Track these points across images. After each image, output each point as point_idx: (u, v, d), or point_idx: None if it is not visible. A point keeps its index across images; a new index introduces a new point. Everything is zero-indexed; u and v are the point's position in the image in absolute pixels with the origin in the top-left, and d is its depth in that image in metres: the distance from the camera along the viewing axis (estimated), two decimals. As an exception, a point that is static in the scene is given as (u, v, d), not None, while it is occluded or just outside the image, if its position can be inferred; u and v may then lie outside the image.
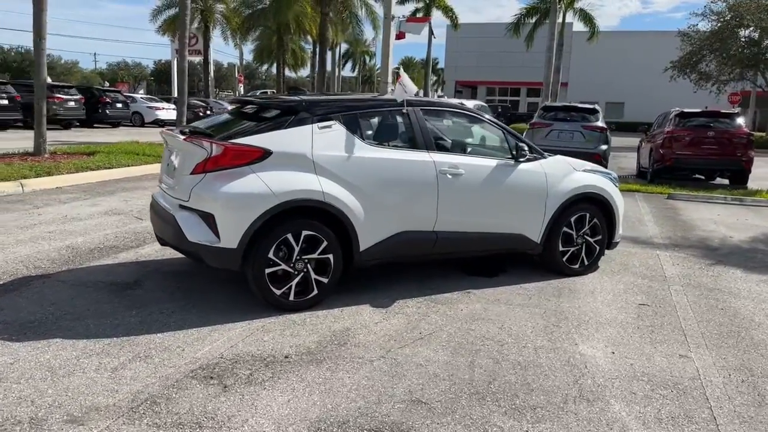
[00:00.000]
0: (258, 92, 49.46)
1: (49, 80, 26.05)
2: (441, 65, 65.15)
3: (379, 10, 19.09)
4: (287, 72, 51.39)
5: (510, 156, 5.23)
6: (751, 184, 13.14)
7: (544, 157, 5.48)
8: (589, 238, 5.66)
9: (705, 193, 11.50)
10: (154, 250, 5.85)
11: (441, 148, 5.14)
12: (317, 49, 29.87)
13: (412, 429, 2.94)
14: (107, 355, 3.60)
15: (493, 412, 3.12)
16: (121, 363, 3.50)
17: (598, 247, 5.73)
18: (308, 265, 4.40)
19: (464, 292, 5.03)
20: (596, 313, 4.70)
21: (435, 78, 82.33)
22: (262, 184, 4.20)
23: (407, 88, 4.81)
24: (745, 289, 5.50)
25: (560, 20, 31.49)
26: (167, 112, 27.23)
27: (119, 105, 25.41)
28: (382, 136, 4.92)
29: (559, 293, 5.13)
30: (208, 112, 26.11)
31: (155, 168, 11.03)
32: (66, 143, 15.62)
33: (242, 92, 53.02)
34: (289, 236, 4.30)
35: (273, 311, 4.36)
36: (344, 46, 55.58)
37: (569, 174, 5.52)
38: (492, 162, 5.14)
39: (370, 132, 4.86)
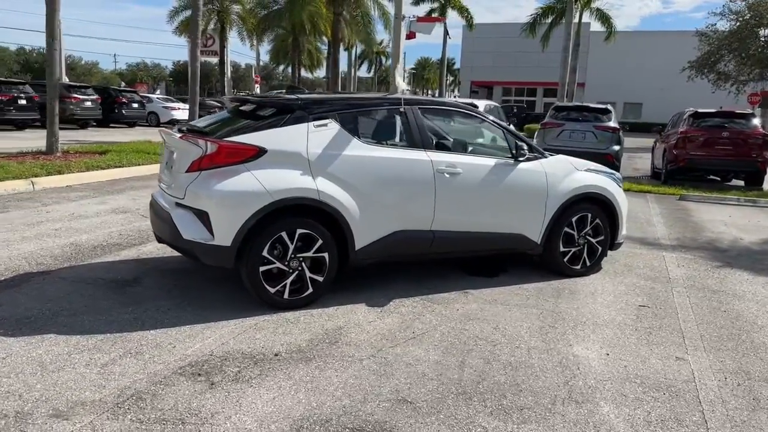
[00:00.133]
0: (274, 92, 49.65)
1: (66, 80, 26.47)
2: (458, 66, 64.97)
3: (391, 10, 19.10)
4: (303, 73, 51.62)
5: (509, 155, 5.18)
6: (767, 186, 12.93)
7: (545, 157, 5.42)
8: (591, 239, 5.60)
9: (718, 195, 11.32)
10: (156, 248, 5.88)
11: (439, 146, 5.11)
12: (332, 50, 29.93)
13: (395, 428, 2.92)
14: (99, 350, 3.62)
15: (478, 413, 3.09)
16: (111, 359, 3.52)
17: (600, 248, 5.66)
18: (303, 264, 4.40)
19: (462, 292, 5.00)
20: (594, 314, 4.64)
21: (452, 78, 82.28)
22: (257, 183, 4.20)
23: (398, 85, 4.80)
24: (751, 292, 5.40)
25: (577, 20, 31.22)
26: (182, 112, 27.44)
27: (135, 105, 25.67)
28: (379, 135, 4.91)
29: (558, 294, 5.08)
30: (224, 113, 26.21)
31: (165, 167, 11.10)
32: (80, 142, 15.81)
33: (259, 93, 53.25)
34: (284, 234, 4.30)
35: (267, 309, 4.36)
36: (360, 48, 55.54)
37: (570, 174, 5.46)
38: (491, 161, 5.10)
39: (366, 130, 4.85)
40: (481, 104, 15.19)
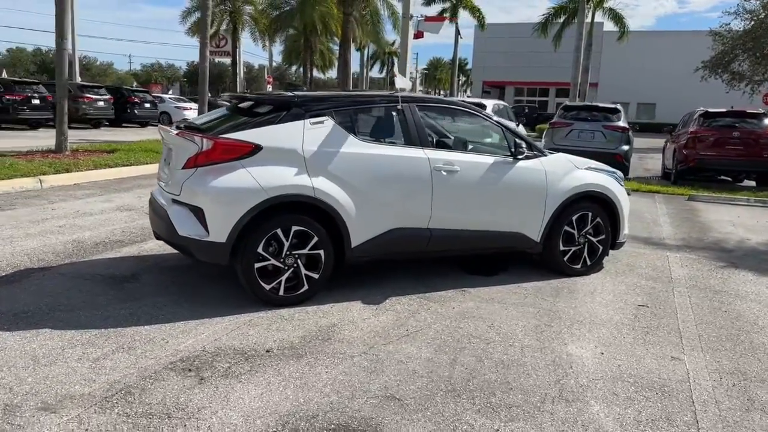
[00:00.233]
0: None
1: (79, 81, 26.74)
2: (470, 66, 64.74)
3: (401, 10, 19.02)
4: (316, 73, 51.76)
5: (508, 153, 5.15)
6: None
7: (545, 155, 5.39)
8: (592, 238, 5.55)
9: (728, 195, 11.19)
10: (157, 245, 5.91)
11: (436, 144, 5.09)
12: (342, 50, 29.97)
13: (380, 425, 2.91)
14: (92, 345, 3.65)
15: (466, 410, 3.07)
16: (103, 353, 3.54)
17: (601, 247, 5.61)
18: (298, 261, 4.40)
19: (459, 290, 4.98)
20: (592, 313, 4.60)
21: (464, 79, 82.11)
22: (252, 179, 4.21)
23: (400, 83, 4.80)
24: (754, 292, 5.33)
25: (589, 20, 31.02)
26: (194, 112, 27.57)
27: (147, 105, 25.85)
28: (376, 132, 4.91)
29: (556, 293, 5.04)
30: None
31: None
32: (91, 141, 15.96)
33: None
34: (279, 231, 4.30)
35: (263, 306, 4.37)
36: (372, 48, 55.59)
37: (570, 172, 5.42)
38: (489, 159, 5.08)
39: (363, 128, 4.84)
40: (490, 104, 15.15)
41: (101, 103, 22.87)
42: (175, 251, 5.43)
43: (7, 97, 19.42)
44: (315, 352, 3.68)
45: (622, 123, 13.56)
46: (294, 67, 59.53)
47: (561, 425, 2.96)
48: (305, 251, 4.41)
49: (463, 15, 37.28)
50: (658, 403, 3.24)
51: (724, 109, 13.61)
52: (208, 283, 4.90)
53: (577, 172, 5.46)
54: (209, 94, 16.21)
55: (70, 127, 21.52)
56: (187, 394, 3.12)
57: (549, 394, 3.28)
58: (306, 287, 4.46)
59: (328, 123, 4.53)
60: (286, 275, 4.38)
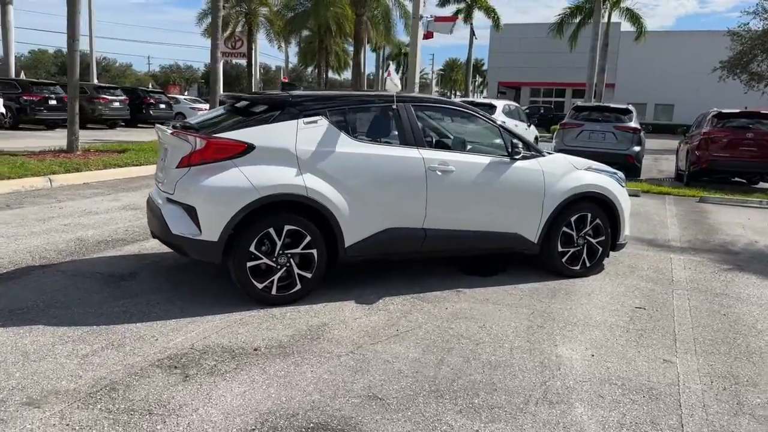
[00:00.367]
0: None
1: (96, 82, 27.09)
2: (487, 67, 64.45)
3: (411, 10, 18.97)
4: (331, 74, 51.90)
5: (505, 153, 5.12)
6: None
7: (543, 156, 5.35)
8: (591, 239, 5.49)
9: (740, 197, 11.03)
10: (157, 244, 5.90)
11: (432, 144, 5.08)
12: (355, 51, 30.02)
13: (360, 424, 2.90)
14: (83, 342, 3.69)
15: (447, 410, 3.06)
16: (93, 350, 3.58)
17: (600, 249, 5.55)
18: (291, 260, 4.42)
19: (455, 291, 4.96)
20: (586, 315, 4.56)
21: (481, 79, 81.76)
22: (244, 179, 4.23)
23: (394, 83, 4.80)
24: (756, 296, 5.24)
25: (605, 20, 30.74)
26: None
27: (162, 106, 26.10)
28: (371, 132, 4.91)
29: (553, 294, 5.00)
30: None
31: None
32: (104, 141, 16.15)
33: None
34: (271, 230, 4.32)
35: (256, 305, 4.39)
36: (389, 49, 55.56)
37: (569, 173, 5.37)
38: (485, 159, 5.05)
39: (358, 127, 4.84)
40: (500, 104, 15.11)
41: (117, 104, 23.14)
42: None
43: (25, 97, 19.73)
44: (302, 351, 3.69)
45: (633, 124, 13.43)
46: (310, 69, 59.76)
47: (542, 427, 2.94)
48: (298, 250, 4.42)
49: (479, 16, 37.20)
50: (644, 406, 3.20)
51: (737, 110, 13.40)
52: (204, 281, 4.93)
53: (575, 173, 5.41)
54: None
55: (86, 128, 21.95)
56: (171, 391, 3.14)
57: (533, 396, 3.25)
58: (299, 286, 4.47)
59: (322, 122, 4.54)
60: (279, 274, 4.40)
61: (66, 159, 10.54)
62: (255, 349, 3.70)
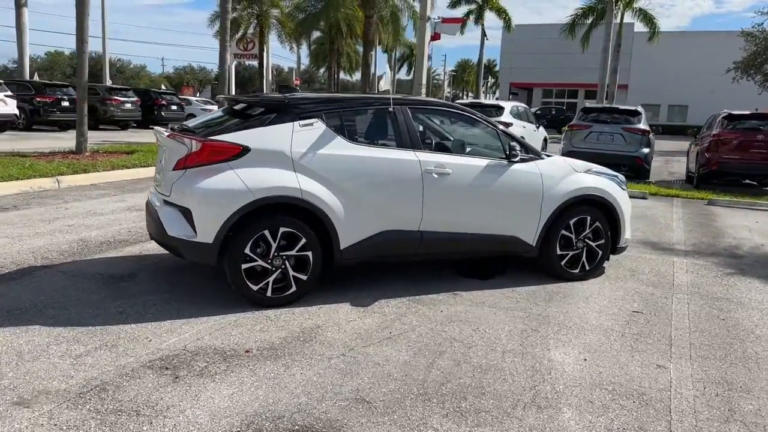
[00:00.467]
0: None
1: (109, 83, 27.34)
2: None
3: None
4: (342, 75, 52.04)
5: (503, 156, 5.11)
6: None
7: (541, 158, 5.33)
8: (591, 242, 5.46)
9: (749, 200, 10.90)
10: (158, 245, 6.01)
11: (429, 147, 5.08)
12: (364, 52, 30.07)
13: (345, 427, 2.91)
14: (77, 342, 3.73)
15: (434, 414, 3.06)
16: (86, 350, 3.62)
17: (600, 252, 5.51)
18: (287, 262, 4.43)
19: (451, 294, 4.95)
20: (582, 318, 4.53)
21: (493, 80, 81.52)
22: (239, 181, 4.26)
23: (387, 84, 4.81)
24: (757, 300, 5.19)
25: (618, 20, 30.54)
26: (220, 114, 27.96)
27: (174, 107, 26.30)
28: (367, 135, 4.92)
29: (550, 298, 4.98)
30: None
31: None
32: (117, 143, 16.30)
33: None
34: (266, 233, 4.34)
35: (251, 307, 4.41)
36: (401, 50, 55.59)
37: (568, 175, 5.34)
38: (482, 162, 5.04)
39: (353, 130, 4.85)
40: (508, 106, 15.06)
41: (129, 106, 23.36)
42: (174, 251, 5.53)
43: (38, 99, 19.96)
44: (293, 353, 3.70)
45: (642, 125, 13.34)
46: (322, 70, 59.93)
47: (528, 432, 2.93)
48: (293, 253, 4.44)
49: (490, 17, 37.08)
50: (634, 412, 3.18)
51: (748, 112, 13.26)
52: (202, 282, 4.97)
53: (575, 176, 5.38)
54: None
55: (98, 129, 22.19)
56: (160, 392, 3.16)
57: (521, 400, 3.24)
58: (294, 288, 4.49)
59: (318, 125, 4.55)
60: (274, 276, 4.41)
61: (74, 160, 10.66)
62: (247, 351, 3.71)
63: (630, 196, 9.87)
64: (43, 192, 8.82)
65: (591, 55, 34.78)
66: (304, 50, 48.85)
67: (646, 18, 32.51)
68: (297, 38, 38.10)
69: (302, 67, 55.41)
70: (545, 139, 17.71)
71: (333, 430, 2.88)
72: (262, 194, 4.28)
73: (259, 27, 35.49)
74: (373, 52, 28.76)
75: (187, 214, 4.29)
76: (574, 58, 42.95)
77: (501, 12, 36.15)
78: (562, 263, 5.41)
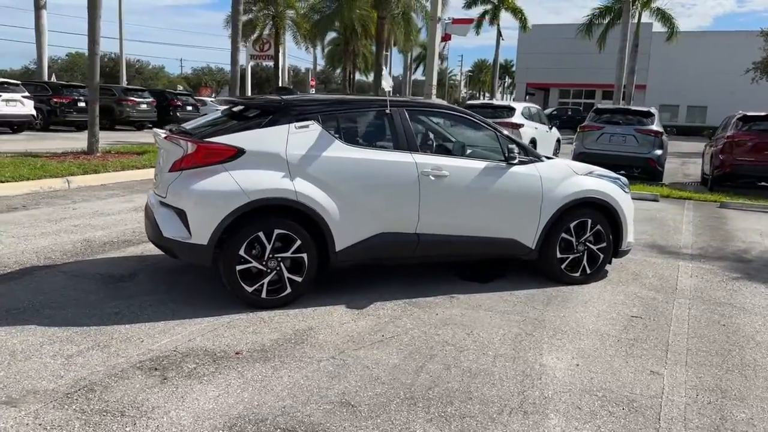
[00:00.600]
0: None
1: (124, 84, 27.63)
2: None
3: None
4: (358, 76, 52.06)
5: (501, 158, 5.07)
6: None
7: (541, 160, 5.28)
8: (592, 246, 5.40)
9: (763, 203, 10.70)
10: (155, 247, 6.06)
11: (426, 149, 5.06)
12: (385, 53, 30.09)
13: (326, 431, 2.90)
14: (70, 342, 3.76)
15: (418, 419, 3.04)
16: (78, 350, 3.65)
17: (602, 255, 5.45)
18: (281, 264, 4.44)
19: (449, 297, 4.92)
20: (579, 323, 4.48)
21: (510, 81, 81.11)
22: (233, 183, 4.27)
23: (388, 82, 4.83)
24: (760, 306, 5.09)
25: (636, 20, 30.20)
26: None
27: (189, 108, 26.50)
28: (363, 137, 4.91)
29: (548, 301, 4.93)
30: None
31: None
32: (131, 143, 16.45)
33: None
34: (261, 234, 4.35)
35: (246, 308, 4.42)
36: (417, 51, 55.48)
37: (568, 178, 5.29)
38: (480, 164, 5.00)
39: (350, 132, 4.84)
40: (519, 107, 14.96)
41: (144, 106, 23.60)
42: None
43: (55, 100, 20.25)
44: (283, 356, 3.71)
45: (655, 127, 13.18)
46: (338, 71, 60.02)
47: (511, 438, 2.90)
48: (288, 254, 4.44)
49: (507, 17, 36.94)
50: (622, 419, 3.13)
51: (763, 113, 13.02)
52: (199, 283, 4.99)
53: (575, 178, 5.33)
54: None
55: (114, 129, 22.44)
56: (146, 393, 3.18)
57: (508, 405, 3.21)
58: (289, 290, 4.49)
59: (314, 127, 4.55)
60: (269, 278, 4.42)
61: (85, 161, 10.78)
62: (237, 353, 3.72)
63: (641, 199, 9.83)
64: (53, 192, 8.93)
65: (608, 55, 34.43)
66: (320, 50, 48.98)
67: (664, 18, 32.16)
68: (312, 39, 38.17)
69: (318, 68, 55.52)
70: (558, 141, 17.57)
71: (315, 433, 2.88)
72: (257, 196, 4.29)
73: (274, 28, 35.64)
74: (387, 53, 28.80)
75: (182, 215, 4.31)
76: (591, 58, 42.55)
77: (517, 12, 35.98)
78: (563, 266, 5.36)
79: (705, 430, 3.05)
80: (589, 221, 5.35)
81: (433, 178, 4.77)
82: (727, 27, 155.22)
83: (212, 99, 34.69)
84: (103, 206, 8.08)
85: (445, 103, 7.05)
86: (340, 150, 4.58)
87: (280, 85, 37.58)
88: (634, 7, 29.24)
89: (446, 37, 14.31)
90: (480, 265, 5.69)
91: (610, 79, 36.75)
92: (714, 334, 4.38)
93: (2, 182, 8.58)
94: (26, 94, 18.31)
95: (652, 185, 12.25)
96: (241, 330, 4.08)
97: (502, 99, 54.97)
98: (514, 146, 5.07)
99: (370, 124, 4.99)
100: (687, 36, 37.53)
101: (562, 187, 5.22)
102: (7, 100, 17.56)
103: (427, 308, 4.65)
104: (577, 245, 5.36)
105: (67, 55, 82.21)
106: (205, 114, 23.82)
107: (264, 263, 4.39)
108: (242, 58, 30.41)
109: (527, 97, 49.05)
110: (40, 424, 2.85)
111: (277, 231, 4.38)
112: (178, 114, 25.89)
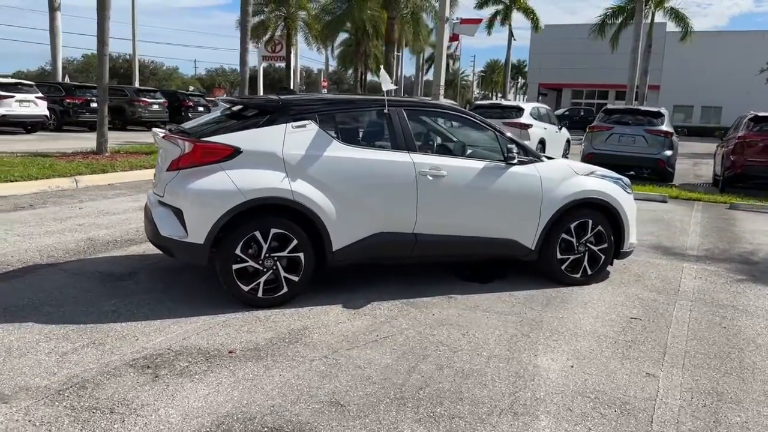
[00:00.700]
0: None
1: (137, 84, 27.86)
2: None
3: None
4: (370, 77, 52.07)
5: (501, 158, 5.04)
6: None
7: (541, 161, 5.25)
8: (593, 246, 5.35)
9: (774, 204, 10.57)
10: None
11: (424, 148, 5.05)
12: (396, 53, 30.09)
13: (314, 430, 2.90)
14: (66, 339, 3.79)
15: (406, 419, 3.03)
16: (73, 348, 3.68)
17: (603, 256, 5.40)
18: (278, 263, 4.44)
19: (447, 297, 4.90)
20: (577, 324, 4.44)
21: (523, 81, 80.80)
22: (230, 182, 4.28)
23: (386, 82, 4.83)
24: (764, 308, 5.02)
25: (649, 20, 29.96)
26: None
27: (201, 108, 26.64)
28: (361, 136, 4.91)
29: (547, 302, 4.90)
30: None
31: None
32: (141, 143, 16.57)
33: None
34: (257, 234, 4.36)
35: (242, 307, 4.43)
36: (429, 51, 55.40)
37: (569, 178, 5.25)
38: (479, 164, 4.98)
39: (347, 132, 4.83)
40: (528, 107, 14.90)
41: (156, 107, 23.78)
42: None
43: (68, 100, 20.48)
44: (276, 355, 3.71)
45: (665, 127, 13.06)
46: (350, 71, 60.09)
47: (499, 439, 2.88)
48: (284, 254, 4.45)
49: (518, 17, 36.78)
50: (613, 421, 3.10)
51: (775, 113, 12.85)
52: (197, 282, 5.01)
53: (576, 179, 5.29)
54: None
55: (126, 130, 22.63)
56: (137, 390, 3.20)
57: (499, 407, 3.19)
58: (285, 289, 4.49)
59: (311, 127, 4.55)
60: (265, 277, 4.43)
61: (94, 160, 10.88)
62: (230, 352, 3.73)
63: (649, 200, 9.74)
64: (61, 191, 9.01)
65: (621, 56, 34.14)
66: (332, 52, 49.09)
67: (678, 17, 31.84)
68: (324, 40, 38.23)
69: (330, 68, 55.63)
70: (568, 141, 17.47)
71: (301, 432, 2.87)
72: (253, 195, 4.30)
73: (286, 29, 35.74)
74: (399, 53, 28.82)
75: (179, 214, 4.33)
76: (604, 59, 42.25)
77: (528, 12, 35.82)
78: (563, 267, 5.32)
79: (697, 434, 3.01)
80: (590, 222, 5.31)
81: (430, 178, 4.76)
82: (744, 27, 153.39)
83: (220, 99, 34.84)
84: (109, 205, 8.14)
85: (445, 102, 7.04)
86: (337, 149, 4.58)
87: (291, 85, 37.72)
88: (647, 7, 29.02)
89: (454, 37, 14.30)
90: (480, 266, 5.66)
91: (623, 79, 36.48)
92: (714, 337, 4.33)
93: (11, 182, 8.68)
94: (40, 94, 18.51)
95: (661, 186, 12.13)
96: (236, 329, 4.09)
97: (515, 99, 54.72)
98: (513, 146, 5.04)
99: (368, 124, 4.99)
100: (702, 36, 37.15)
101: (563, 188, 5.18)
102: (21, 101, 17.79)
103: (424, 308, 4.64)
104: (577, 246, 5.31)
105: (82, 57, 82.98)
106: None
107: (260, 262, 4.40)
108: (254, 59, 30.56)
109: (540, 97, 48.78)
110: (29, 421, 2.87)
111: (273, 230, 4.39)
112: (189, 114, 26.01)
